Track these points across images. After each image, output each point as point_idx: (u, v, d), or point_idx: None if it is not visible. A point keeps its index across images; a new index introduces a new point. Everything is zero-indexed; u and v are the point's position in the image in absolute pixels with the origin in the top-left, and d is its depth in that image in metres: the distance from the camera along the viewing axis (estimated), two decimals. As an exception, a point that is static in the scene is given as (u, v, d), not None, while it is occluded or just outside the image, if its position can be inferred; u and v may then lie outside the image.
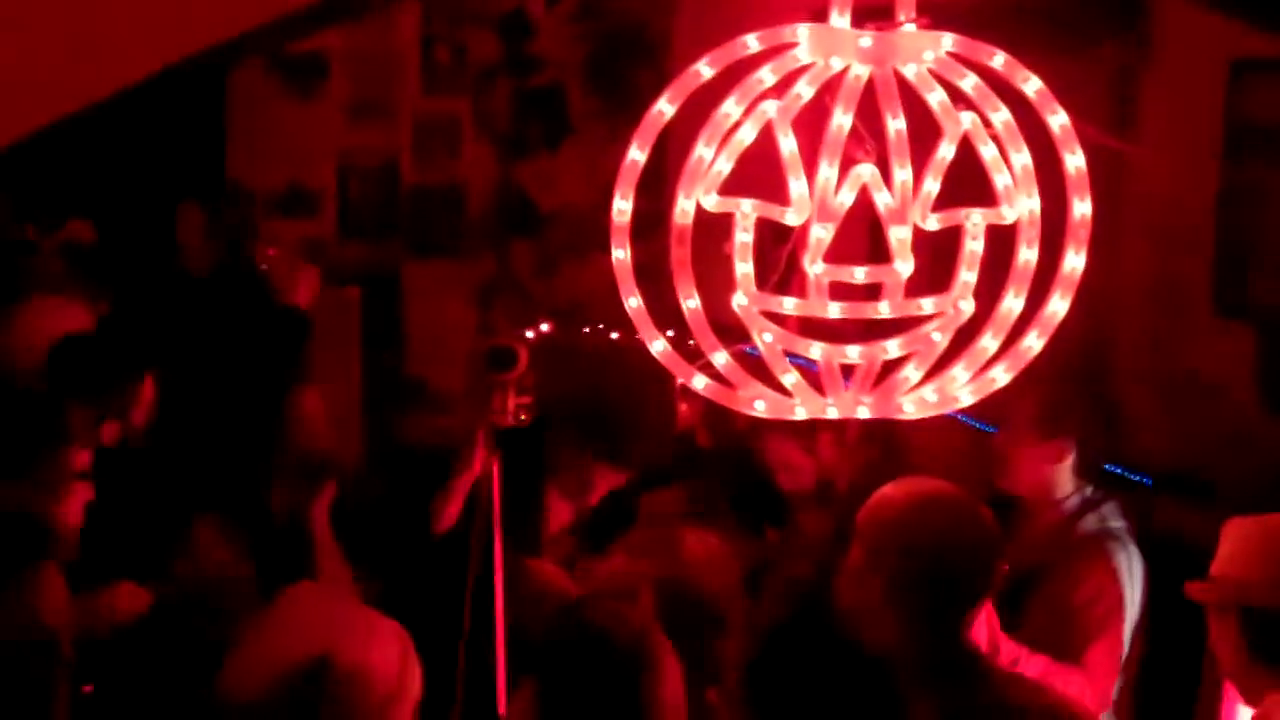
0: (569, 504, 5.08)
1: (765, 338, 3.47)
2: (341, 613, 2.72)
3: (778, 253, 3.53)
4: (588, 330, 5.89)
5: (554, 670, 2.82)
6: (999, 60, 3.49)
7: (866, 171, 3.42)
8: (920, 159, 3.45)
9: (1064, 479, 4.37)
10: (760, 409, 3.52)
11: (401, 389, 7.47)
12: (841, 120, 3.41)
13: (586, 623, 2.89)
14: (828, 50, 3.40)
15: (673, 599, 3.41)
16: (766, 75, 3.40)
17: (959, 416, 4.08)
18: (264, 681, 2.50)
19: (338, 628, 2.59)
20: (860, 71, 3.41)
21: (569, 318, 7.18)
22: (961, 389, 3.58)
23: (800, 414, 3.53)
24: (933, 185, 3.46)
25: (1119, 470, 4.75)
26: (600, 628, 2.85)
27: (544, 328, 5.82)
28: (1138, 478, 4.86)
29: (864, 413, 3.57)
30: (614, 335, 5.39)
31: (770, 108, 3.39)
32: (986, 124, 3.46)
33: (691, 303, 3.46)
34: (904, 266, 3.47)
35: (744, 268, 3.45)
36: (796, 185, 3.41)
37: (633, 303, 3.49)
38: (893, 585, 3.08)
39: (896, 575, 3.09)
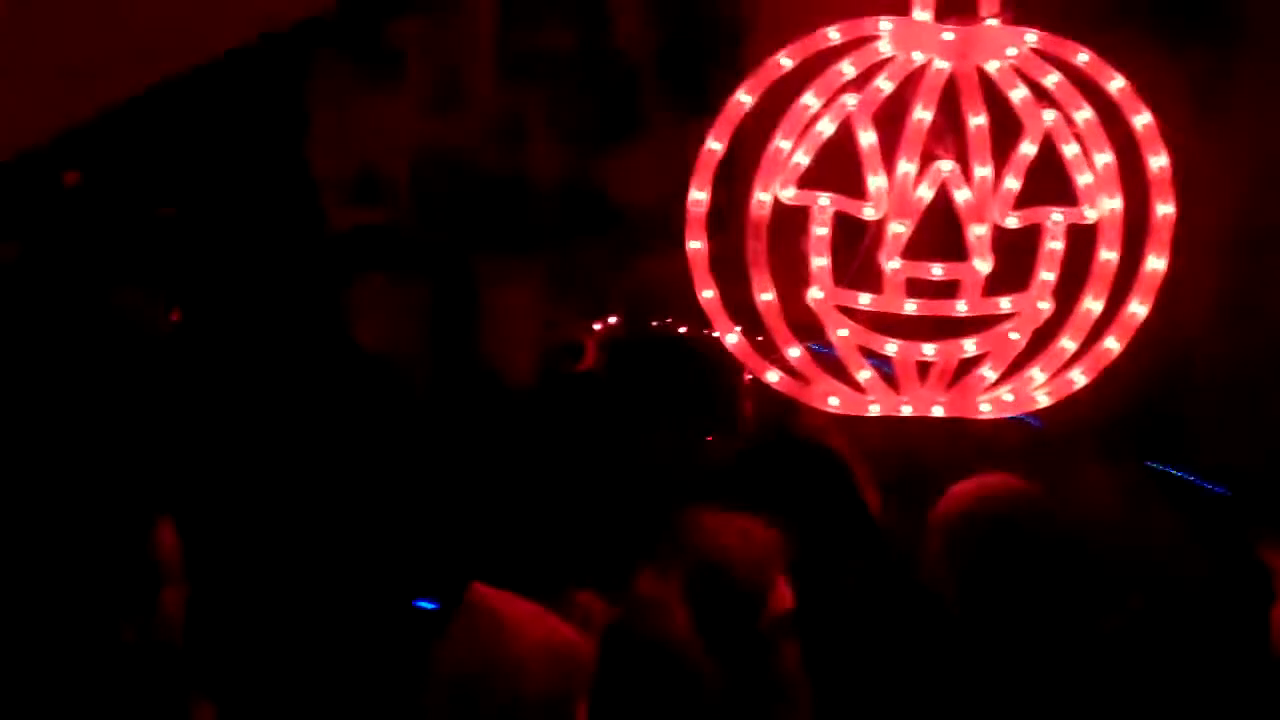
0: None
1: (840, 333, 3.44)
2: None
3: (855, 248, 3.51)
4: (657, 324, 5.88)
5: None
6: (1083, 58, 3.45)
7: (946, 167, 3.39)
8: (1001, 156, 3.42)
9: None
10: (834, 405, 3.49)
11: (474, 380, 7.48)
12: (922, 115, 3.38)
13: None
14: (910, 44, 3.38)
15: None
16: (847, 68, 3.38)
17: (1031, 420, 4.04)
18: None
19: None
20: (942, 66, 3.38)
21: (638, 311, 7.18)
22: (1039, 389, 3.54)
23: (874, 411, 3.50)
24: (1013, 183, 3.42)
25: (1194, 479, 4.68)
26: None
27: (612, 321, 5.81)
28: (1211, 487, 4.78)
29: (939, 411, 3.54)
30: (683, 329, 5.37)
31: (850, 101, 3.37)
32: (1069, 122, 3.42)
33: (766, 296, 3.44)
34: (982, 264, 3.44)
35: (820, 262, 3.43)
36: (875, 180, 3.39)
37: (707, 295, 3.48)
38: (965, 578, 3.05)
39: (969, 568, 3.06)
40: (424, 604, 5.44)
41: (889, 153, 3.40)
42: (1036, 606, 2.94)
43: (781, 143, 3.38)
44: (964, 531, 3.11)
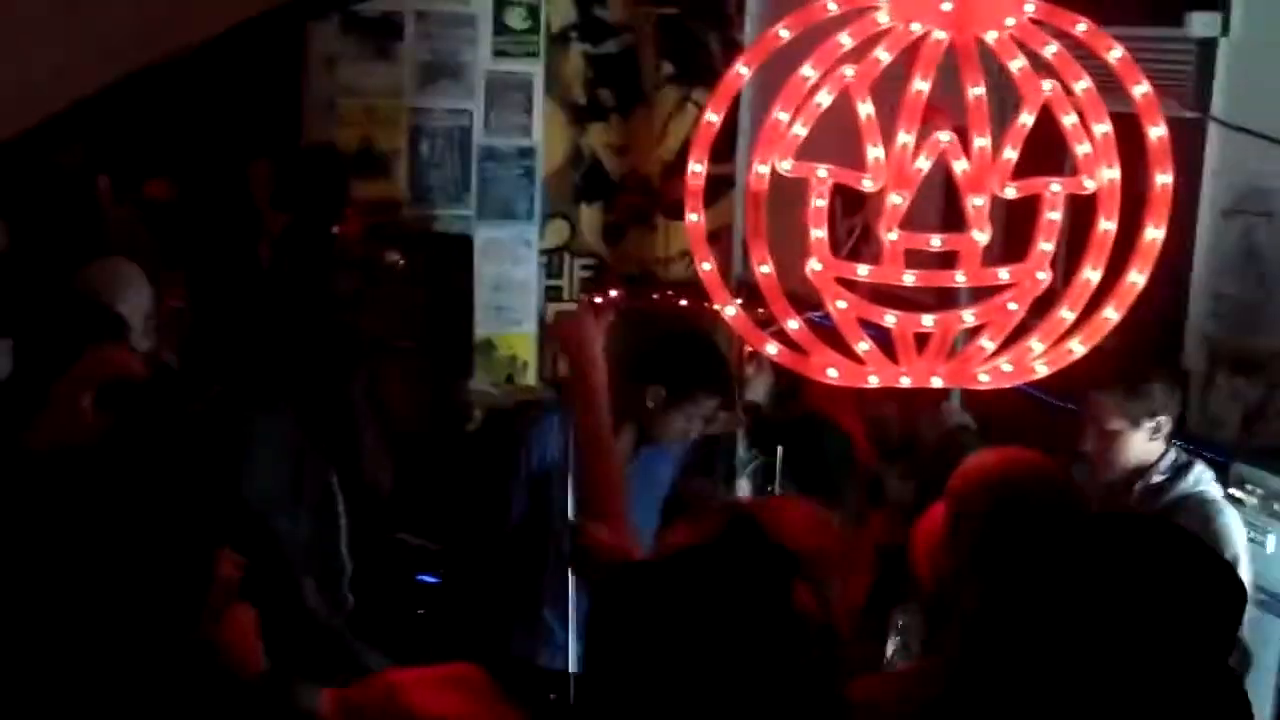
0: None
1: (839, 305, 3.45)
2: None
3: (853, 219, 3.51)
4: (656, 295, 5.88)
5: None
6: (1081, 28, 3.44)
7: (945, 138, 3.39)
8: (1000, 127, 3.42)
9: (1150, 447, 4.36)
10: (833, 377, 3.50)
11: (470, 352, 7.50)
12: (920, 86, 3.37)
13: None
14: (908, 14, 3.37)
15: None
16: (845, 39, 3.37)
17: (1032, 390, 4.04)
18: None
19: None
20: (940, 36, 3.37)
21: (638, 283, 7.19)
22: (1037, 360, 3.54)
23: (873, 382, 3.51)
24: (1012, 153, 3.42)
25: (1190, 447, 4.70)
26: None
27: (612, 293, 5.81)
28: (1210, 454, 4.79)
29: (938, 382, 3.55)
30: (683, 301, 5.37)
31: (848, 72, 3.37)
32: (1068, 92, 3.42)
33: (765, 268, 3.45)
34: (981, 235, 3.44)
35: (819, 233, 3.43)
36: (874, 151, 3.38)
37: (705, 267, 3.48)
38: (979, 552, 3.07)
39: (983, 541, 3.08)
40: (426, 578, 5.47)
41: (888, 124, 3.40)
42: (1049, 583, 2.94)
43: (780, 114, 3.38)
44: (978, 505, 3.12)
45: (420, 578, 5.50)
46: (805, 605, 2.49)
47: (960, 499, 3.20)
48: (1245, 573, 4.12)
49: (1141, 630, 2.34)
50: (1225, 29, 4.92)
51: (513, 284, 7.62)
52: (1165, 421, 4.37)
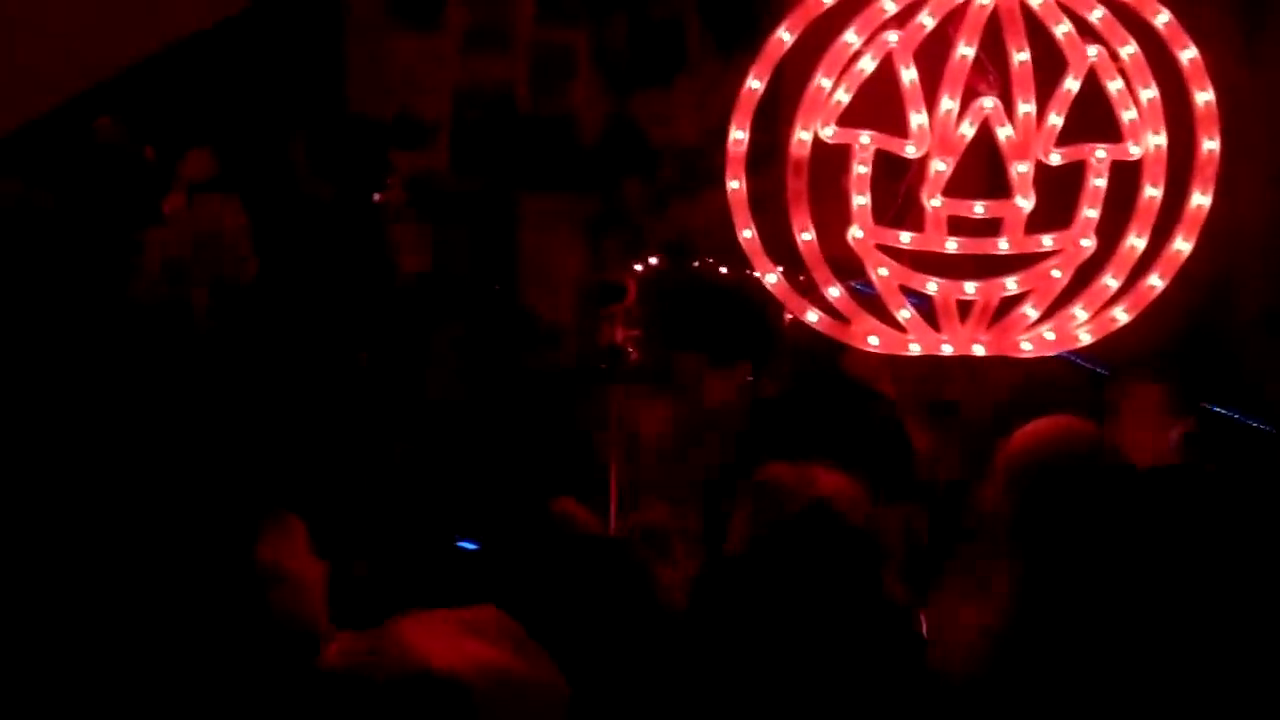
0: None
1: (881, 272, 3.44)
2: None
3: (896, 186, 3.49)
4: (698, 264, 5.86)
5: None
6: (1128, -8, 3.41)
7: (989, 104, 3.37)
8: (1045, 93, 3.39)
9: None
10: (874, 344, 3.49)
11: (513, 320, 7.49)
12: (964, 51, 3.35)
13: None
14: (952, -21, 3.35)
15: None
16: (888, 4, 3.35)
17: (1073, 357, 4.01)
18: None
19: None
20: (985, 2, 3.35)
21: (680, 252, 7.17)
22: (1081, 328, 3.52)
23: (915, 350, 3.49)
24: (1057, 119, 3.40)
25: (1238, 416, 4.65)
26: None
27: (653, 261, 5.80)
28: (1258, 424, 4.75)
29: (980, 350, 3.53)
30: (724, 269, 5.36)
31: (892, 38, 3.35)
32: (1114, 57, 3.39)
33: (806, 235, 3.43)
34: (1025, 202, 3.42)
35: (861, 200, 3.41)
36: (917, 117, 3.37)
37: (746, 234, 3.47)
38: (1026, 519, 3.06)
39: (1029, 507, 3.07)
40: (466, 544, 5.49)
41: (931, 90, 3.38)
42: (1097, 549, 2.93)
43: (822, 80, 3.36)
44: (1029, 472, 3.11)
45: (461, 544, 5.52)
46: (892, 590, 2.55)
47: (1011, 468, 3.19)
48: None
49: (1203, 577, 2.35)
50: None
51: (556, 252, 7.61)
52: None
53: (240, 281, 4.48)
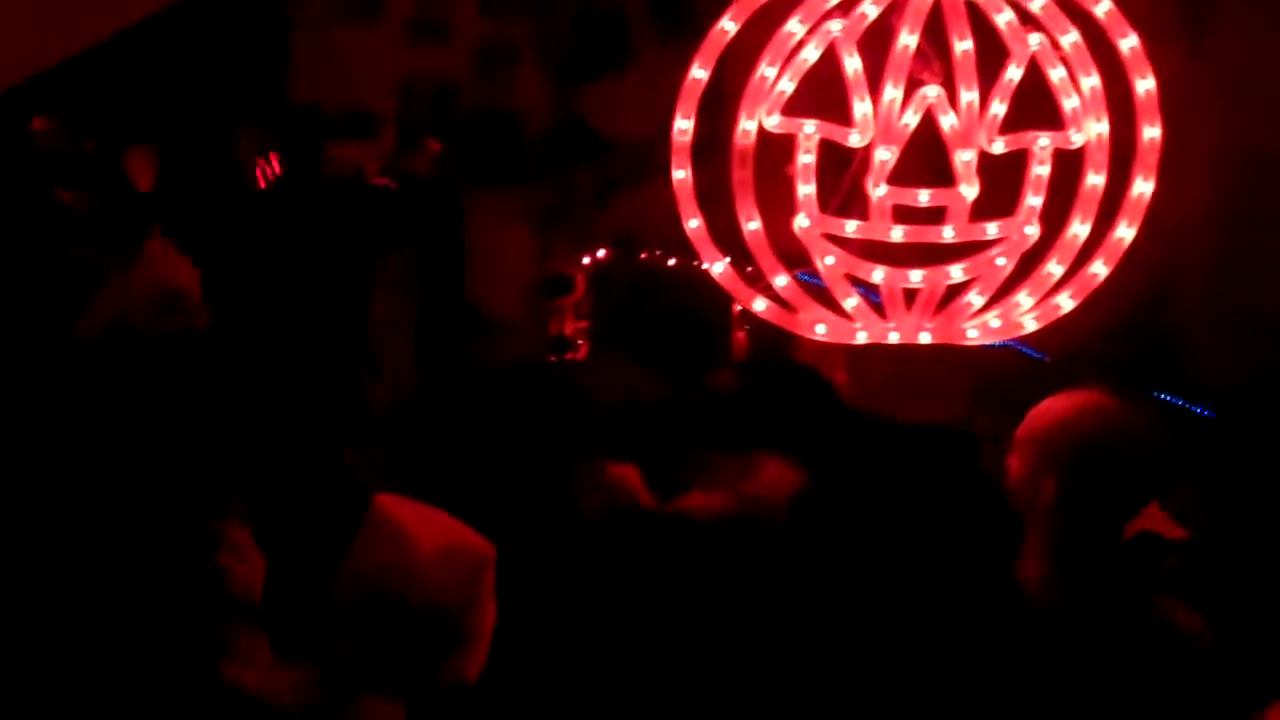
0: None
1: (827, 261, 3.44)
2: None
3: (840, 175, 3.50)
4: (645, 256, 5.85)
5: None
6: (1069, -20, 3.43)
7: (932, 93, 3.38)
8: (987, 81, 3.40)
9: None
10: (821, 333, 3.49)
11: (459, 315, 7.47)
12: (907, 41, 3.36)
13: None
14: (894, -32, 3.36)
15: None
16: (831, -7, 3.36)
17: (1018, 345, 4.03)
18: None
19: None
20: (927, -9, 3.36)
21: (627, 244, 7.16)
22: (1026, 315, 3.54)
23: (861, 338, 3.50)
24: (999, 108, 3.41)
25: (1179, 401, 4.68)
26: None
27: (600, 254, 5.80)
28: (1198, 409, 4.79)
29: (926, 338, 3.54)
30: (671, 261, 5.36)
31: (835, 27, 3.35)
32: (1055, 46, 3.41)
33: (752, 225, 3.44)
34: (969, 190, 3.43)
35: (806, 190, 3.42)
36: (860, 106, 3.37)
37: (693, 224, 3.47)
38: (1066, 486, 3.10)
39: (1071, 476, 3.10)
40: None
41: (874, 79, 3.38)
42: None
43: (766, 70, 3.36)
44: (1067, 446, 3.13)
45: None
46: None
47: (1039, 442, 3.23)
48: None
49: None
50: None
51: (503, 246, 7.58)
52: None
53: (191, 329, 4.43)
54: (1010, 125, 3.42)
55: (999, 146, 3.42)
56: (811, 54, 3.35)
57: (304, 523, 3.87)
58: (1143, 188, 3.47)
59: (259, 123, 5.92)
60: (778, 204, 3.44)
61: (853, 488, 3.38)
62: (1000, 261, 3.48)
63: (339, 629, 2.59)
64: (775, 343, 5.08)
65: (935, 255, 3.55)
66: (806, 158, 3.39)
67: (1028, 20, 3.39)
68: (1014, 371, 4.63)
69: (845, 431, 4.29)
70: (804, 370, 5.00)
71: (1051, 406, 3.15)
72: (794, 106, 3.38)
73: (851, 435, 4.33)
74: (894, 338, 3.52)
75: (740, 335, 5.19)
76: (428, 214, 6.97)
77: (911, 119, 3.37)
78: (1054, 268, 3.51)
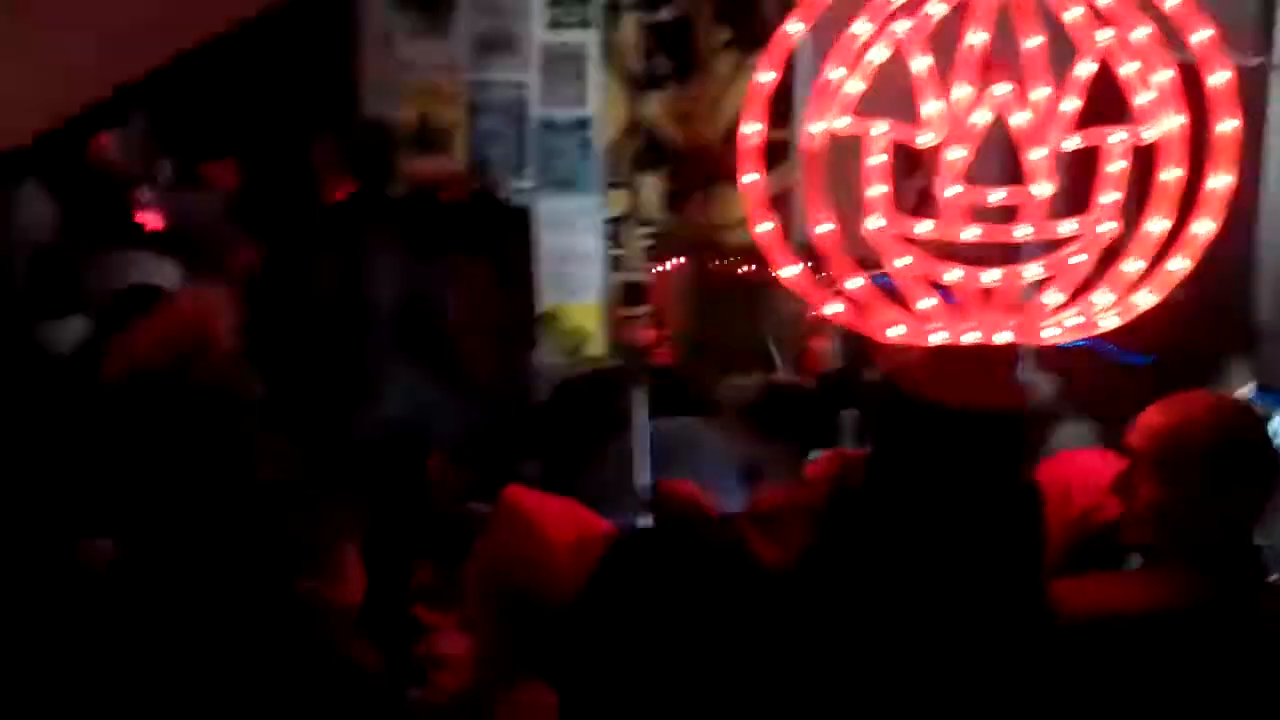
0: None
1: (901, 262, 3.41)
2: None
3: (912, 177, 3.47)
4: (719, 263, 5.85)
5: None
6: (1140, -28, 3.38)
7: (1002, 91, 3.34)
8: (1059, 78, 3.37)
9: None
10: (897, 334, 3.46)
11: (533, 324, 7.50)
12: (975, 39, 3.33)
13: None
14: (961, -34, 3.32)
15: None
16: (897, -7, 3.34)
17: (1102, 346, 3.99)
18: None
19: None
20: (995, -12, 3.32)
21: (699, 251, 7.16)
22: (1105, 313, 3.49)
23: (938, 339, 3.47)
24: (1070, 104, 3.37)
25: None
26: None
27: (675, 261, 5.80)
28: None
29: (1004, 337, 3.50)
30: (744, 268, 5.36)
31: (899, 28, 3.33)
32: (1126, 41, 3.36)
33: (824, 227, 3.41)
34: (1042, 188, 3.39)
35: (877, 190, 3.39)
36: (930, 106, 3.34)
37: (763, 228, 3.45)
38: (1199, 494, 3.08)
39: (1203, 484, 3.09)
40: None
41: (945, 79, 3.36)
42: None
43: (833, 72, 3.34)
44: (1200, 452, 3.11)
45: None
46: None
47: (1161, 452, 3.21)
48: None
49: None
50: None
51: (575, 255, 7.61)
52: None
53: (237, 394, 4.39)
54: (1083, 121, 3.38)
55: (1071, 144, 3.38)
56: (878, 55, 3.33)
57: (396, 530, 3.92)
58: (1217, 181, 3.41)
59: (331, 137, 5.98)
60: (849, 207, 3.42)
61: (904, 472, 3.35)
62: (1077, 259, 3.44)
63: (480, 622, 2.63)
64: (856, 347, 5.06)
65: (1011, 254, 3.51)
66: (878, 158, 3.36)
67: (1098, 17, 3.35)
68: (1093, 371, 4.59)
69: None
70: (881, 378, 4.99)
71: (1175, 414, 3.12)
72: (864, 107, 3.36)
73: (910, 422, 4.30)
74: (972, 338, 3.48)
75: (820, 341, 5.17)
76: (500, 225, 7.01)
77: (983, 117, 3.34)
78: (1133, 263, 3.46)
